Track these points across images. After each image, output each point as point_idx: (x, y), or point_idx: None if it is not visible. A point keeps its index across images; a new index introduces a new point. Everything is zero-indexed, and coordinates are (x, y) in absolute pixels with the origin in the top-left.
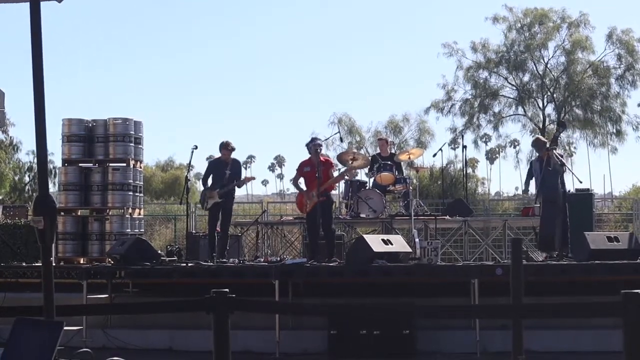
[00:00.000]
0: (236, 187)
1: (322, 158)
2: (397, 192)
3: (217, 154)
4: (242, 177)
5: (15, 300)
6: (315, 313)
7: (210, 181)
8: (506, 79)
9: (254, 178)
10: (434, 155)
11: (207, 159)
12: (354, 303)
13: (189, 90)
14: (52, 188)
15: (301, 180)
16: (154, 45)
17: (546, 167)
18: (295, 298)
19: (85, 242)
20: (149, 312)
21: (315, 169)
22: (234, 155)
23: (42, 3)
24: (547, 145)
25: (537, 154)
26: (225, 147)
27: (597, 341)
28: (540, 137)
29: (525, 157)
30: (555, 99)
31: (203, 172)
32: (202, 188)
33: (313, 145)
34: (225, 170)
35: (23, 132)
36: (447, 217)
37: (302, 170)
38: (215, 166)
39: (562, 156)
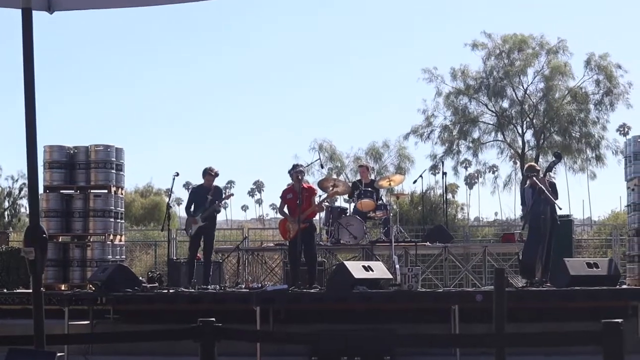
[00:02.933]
0: (216, 211)
1: (304, 185)
2: (378, 219)
3: (196, 180)
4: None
5: None
6: (303, 342)
7: (193, 209)
8: (486, 105)
9: (232, 194)
10: (415, 182)
11: (184, 185)
12: (335, 329)
13: (167, 115)
14: None
15: (286, 208)
16: (132, 70)
17: (536, 195)
18: (276, 324)
19: (67, 269)
20: (137, 340)
21: (297, 196)
22: (216, 181)
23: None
24: (540, 174)
25: (529, 181)
26: (209, 173)
27: None
28: (533, 164)
29: (502, 182)
30: (535, 125)
31: (186, 201)
32: (181, 213)
33: (295, 172)
34: (207, 195)
35: (2, 158)
36: (428, 243)
37: (285, 197)
38: (197, 193)
39: (554, 184)
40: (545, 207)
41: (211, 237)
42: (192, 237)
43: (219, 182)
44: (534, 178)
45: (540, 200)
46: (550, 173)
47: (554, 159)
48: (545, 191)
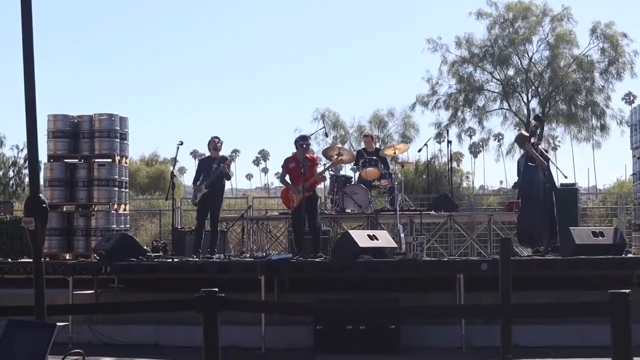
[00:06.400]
0: (224, 175)
1: (307, 155)
2: (383, 187)
3: (201, 149)
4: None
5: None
6: (305, 312)
7: (200, 179)
8: (491, 73)
9: (232, 159)
10: (419, 150)
11: (191, 153)
12: (339, 298)
13: (174, 85)
14: None
15: (287, 177)
16: (138, 40)
17: (526, 163)
18: (281, 293)
19: (71, 238)
20: (138, 311)
21: (299, 165)
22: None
23: None
24: (531, 141)
25: (522, 151)
26: (214, 143)
27: (583, 335)
28: (523, 132)
29: (505, 150)
30: (540, 93)
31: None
32: (186, 182)
33: (303, 142)
34: (213, 165)
35: (7, 127)
36: (433, 212)
37: (287, 166)
38: (204, 164)
39: (546, 151)
40: (537, 174)
41: (217, 207)
42: (197, 206)
43: (223, 151)
44: (532, 146)
45: (531, 167)
46: (534, 138)
47: (534, 122)
48: (550, 158)
